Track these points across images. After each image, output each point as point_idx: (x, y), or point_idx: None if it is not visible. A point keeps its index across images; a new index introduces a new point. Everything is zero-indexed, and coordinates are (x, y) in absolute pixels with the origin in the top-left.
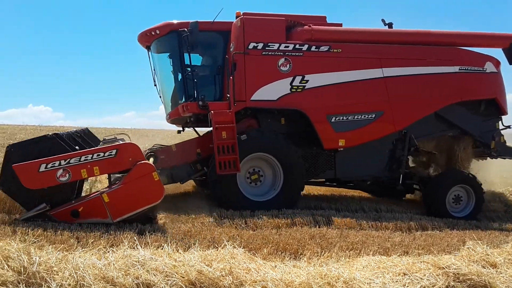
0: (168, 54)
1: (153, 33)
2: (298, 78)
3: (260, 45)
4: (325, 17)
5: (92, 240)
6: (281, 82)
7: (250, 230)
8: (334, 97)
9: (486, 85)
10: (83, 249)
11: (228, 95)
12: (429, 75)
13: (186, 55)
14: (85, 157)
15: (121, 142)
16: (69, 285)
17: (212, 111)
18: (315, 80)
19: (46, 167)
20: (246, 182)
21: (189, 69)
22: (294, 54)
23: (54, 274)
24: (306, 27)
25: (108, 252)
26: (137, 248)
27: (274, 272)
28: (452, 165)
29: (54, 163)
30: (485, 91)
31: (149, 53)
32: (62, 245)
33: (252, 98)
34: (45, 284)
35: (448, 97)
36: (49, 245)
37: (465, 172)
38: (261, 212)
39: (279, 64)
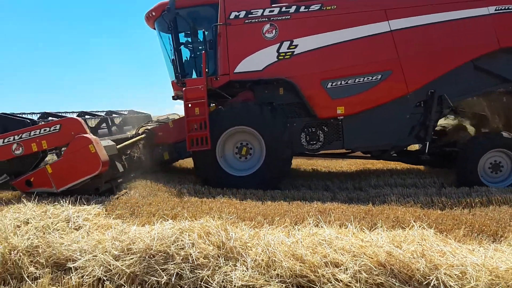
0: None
1: (150, 15)
2: (286, 44)
3: (242, 13)
4: None
5: (278, 218)
6: (266, 50)
7: (438, 209)
8: (330, 60)
9: None
10: (270, 227)
11: (207, 70)
12: (451, 21)
13: (168, 35)
14: (34, 132)
15: (65, 118)
16: (262, 260)
17: (184, 88)
18: (306, 44)
19: (3, 142)
20: (235, 157)
21: (172, 48)
22: (280, 18)
23: (248, 250)
24: None
25: (294, 229)
26: (322, 227)
27: (473, 256)
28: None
29: (10, 138)
30: None
31: (156, 32)
32: (252, 222)
33: (235, 71)
34: (241, 258)
35: (480, 45)
36: (241, 221)
37: (505, 134)
38: (449, 191)
39: (263, 31)
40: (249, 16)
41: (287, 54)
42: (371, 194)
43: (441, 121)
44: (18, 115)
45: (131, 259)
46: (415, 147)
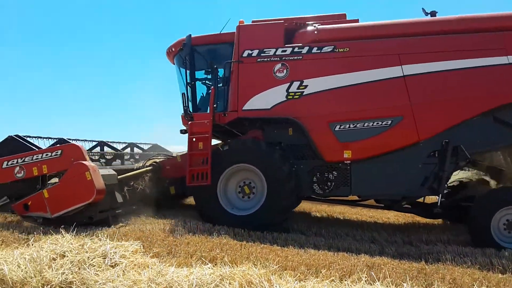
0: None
1: (170, 50)
2: (296, 84)
3: (255, 52)
4: (344, 15)
5: (324, 271)
6: (276, 89)
7: (498, 273)
8: (339, 102)
9: None
10: (316, 279)
11: (215, 106)
12: (467, 69)
13: (183, 70)
14: (37, 156)
15: (67, 144)
16: None
17: (189, 122)
18: (316, 84)
19: (7, 164)
20: (237, 196)
21: (185, 83)
22: (292, 58)
23: None
24: (310, 27)
25: (343, 284)
26: (373, 284)
27: None
28: None
29: (13, 161)
30: None
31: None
32: (294, 271)
33: (244, 108)
34: None
35: (498, 96)
36: (282, 270)
37: None
38: (510, 252)
39: (275, 70)
40: (262, 55)
41: (297, 94)
42: (422, 250)
43: (462, 174)
44: (29, 139)
45: None
46: (433, 199)
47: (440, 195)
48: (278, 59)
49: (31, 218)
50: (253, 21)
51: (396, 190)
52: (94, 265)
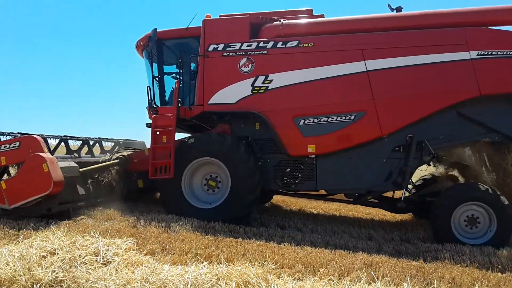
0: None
1: (139, 44)
2: (261, 78)
3: (221, 46)
4: (311, 10)
5: (322, 269)
6: (242, 83)
7: (498, 272)
8: (304, 97)
9: None
10: (314, 278)
11: (180, 100)
12: (430, 65)
13: (148, 63)
14: None
15: (26, 136)
16: None
17: (153, 116)
18: (281, 79)
19: None
20: (203, 189)
21: (151, 77)
22: (257, 53)
23: None
24: (275, 22)
25: (341, 283)
26: (373, 284)
27: None
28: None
29: None
30: None
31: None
32: (291, 270)
33: (210, 102)
34: None
35: (460, 91)
36: (279, 268)
37: (482, 186)
38: (509, 252)
39: (240, 65)
40: (227, 49)
41: (262, 88)
42: (420, 248)
43: (432, 169)
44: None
45: None
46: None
47: (404, 190)
48: (243, 53)
49: None
50: (220, 16)
51: (361, 185)
52: (86, 263)
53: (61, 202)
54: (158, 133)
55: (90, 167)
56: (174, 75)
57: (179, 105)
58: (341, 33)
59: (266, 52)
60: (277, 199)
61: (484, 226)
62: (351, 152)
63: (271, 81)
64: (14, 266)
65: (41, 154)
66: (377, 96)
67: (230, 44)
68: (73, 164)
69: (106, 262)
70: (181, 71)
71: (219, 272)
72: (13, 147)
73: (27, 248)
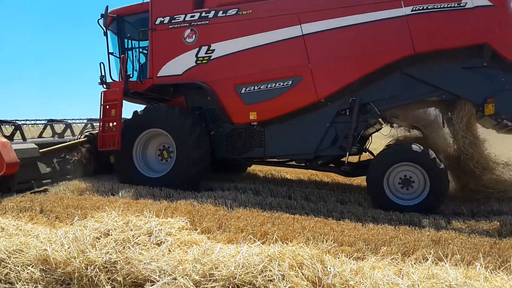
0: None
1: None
2: (204, 49)
3: (167, 19)
4: None
5: (384, 247)
6: (186, 55)
7: None
8: (243, 65)
9: (464, 27)
10: (375, 257)
11: (130, 74)
12: (363, 24)
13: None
14: None
15: None
16: None
17: (102, 91)
18: (222, 48)
19: None
20: (157, 159)
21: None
22: (200, 23)
23: None
24: None
25: (405, 263)
26: (442, 265)
27: None
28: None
29: None
30: (462, 36)
31: None
32: (351, 248)
33: (158, 75)
34: None
35: (393, 50)
36: (338, 246)
37: (417, 148)
38: None
39: (184, 36)
40: (173, 21)
41: (205, 59)
42: (494, 222)
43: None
44: None
45: (213, 287)
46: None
47: (347, 153)
48: (187, 25)
49: None
50: None
51: (307, 150)
52: (139, 244)
53: (20, 181)
54: (107, 107)
55: (52, 147)
56: (130, 50)
57: (128, 79)
58: None
59: (208, 22)
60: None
61: (419, 188)
62: (296, 118)
63: (213, 51)
64: (68, 248)
65: None
66: (312, 60)
67: (175, 17)
68: (32, 146)
69: (159, 242)
70: (128, 46)
71: (271, 253)
72: None
73: (81, 230)
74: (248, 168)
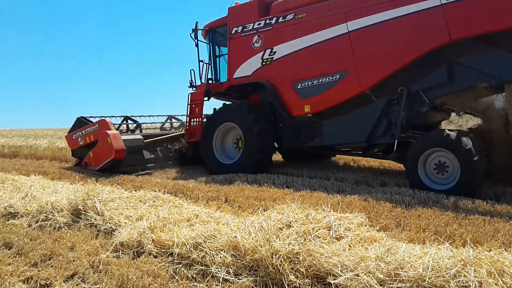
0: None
1: (190, 35)
2: (268, 51)
3: (240, 28)
4: None
5: None
6: (255, 58)
7: None
8: (299, 63)
9: (501, 10)
10: None
11: (211, 78)
12: (401, 17)
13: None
14: (86, 130)
15: (101, 119)
16: None
17: (189, 93)
18: (282, 50)
19: (75, 136)
20: (233, 148)
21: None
22: (265, 29)
23: None
24: (280, 0)
25: None
26: None
27: None
28: None
29: (77, 134)
30: (499, 18)
31: None
32: None
33: (234, 76)
34: None
35: (430, 39)
36: None
37: (447, 133)
38: None
39: (253, 42)
40: (244, 30)
41: (268, 60)
42: None
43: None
44: (90, 117)
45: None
46: None
47: (396, 140)
48: (255, 31)
49: (88, 169)
50: (236, 3)
51: (358, 138)
52: (319, 237)
53: (128, 164)
54: (193, 106)
55: (152, 139)
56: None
57: (210, 82)
58: (325, 0)
59: (271, 28)
60: None
61: (454, 172)
62: (347, 109)
63: (275, 52)
64: (255, 236)
65: (108, 131)
66: (357, 54)
67: (246, 26)
68: (138, 136)
69: (338, 236)
70: (213, 53)
71: (465, 258)
72: (94, 128)
73: (266, 220)
74: None
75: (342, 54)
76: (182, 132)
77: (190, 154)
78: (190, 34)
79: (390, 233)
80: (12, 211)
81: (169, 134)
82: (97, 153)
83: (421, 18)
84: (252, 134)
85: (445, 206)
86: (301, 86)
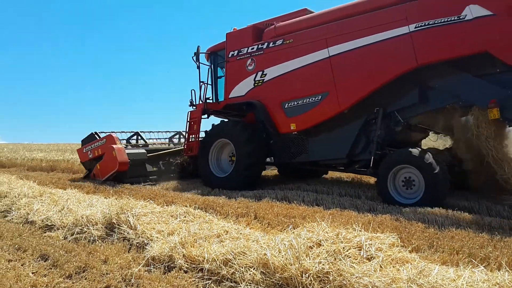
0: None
1: (192, 58)
2: (260, 73)
3: (236, 52)
4: (305, 10)
5: None
6: (248, 79)
7: None
8: (286, 84)
9: (464, 37)
10: None
11: (209, 98)
12: (374, 44)
13: (199, 70)
14: (95, 144)
15: (107, 135)
16: None
17: (188, 111)
18: (272, 72)
19: (85, 150)
20: (227, 162)
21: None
22: (257, 53)
23: None
24: (271, 27)
25: None
26: None
27: None
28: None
29: (87, 147)
30: (461, 45)
31: None
32: None
33: (230, 96)
34: None
35: (398, 64)
36: None
37: (411, 151)
38: None
39: (247, 65)
40: (239, 54)
41: (260, 81)
42: None
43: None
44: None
45: None
46: None
47: (372, 157)
48: (249, 55)
49: (95, 180)
50: (233, 29)
51: (339, 155)
52: (350, 257)
53: (132, 176)
54: (192, 123)
55: (154, 153)
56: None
57: (208, 101)
58: (311, 27)
59: (262, 52)
60: None
61: (420, 187)
62: (328, 127)
63: (266, 74)
64: (285, 254)
65: (113, 145)
66: (336, 77)
67: (241, 50)
68: (141, 151)
69: (369, 257)
70: (211, 75)
71: (500, 281)
72: (102, 142)
73: (296, 238)
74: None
75: (324, 77)
76: (182, 147)
77: (190, 168)
78: (192, 57)
79: (423, 255)
80: (49, 224)
81: (171, 149)
82: (103, 165)
83: (392, 45)
84: (243, 153)
85: (480, 227)
86: (288, 105)
